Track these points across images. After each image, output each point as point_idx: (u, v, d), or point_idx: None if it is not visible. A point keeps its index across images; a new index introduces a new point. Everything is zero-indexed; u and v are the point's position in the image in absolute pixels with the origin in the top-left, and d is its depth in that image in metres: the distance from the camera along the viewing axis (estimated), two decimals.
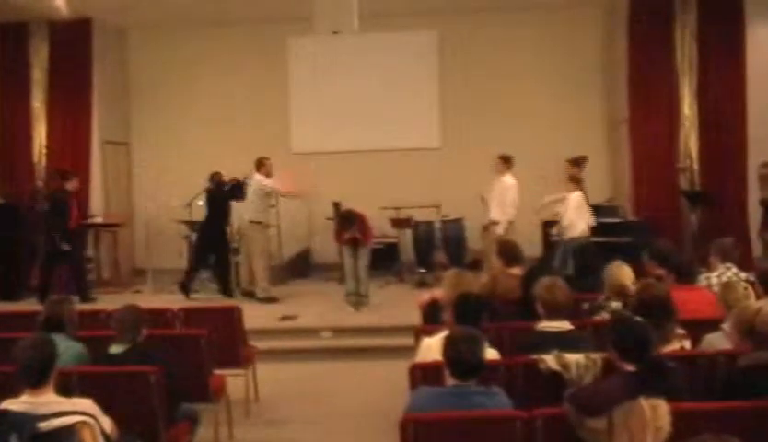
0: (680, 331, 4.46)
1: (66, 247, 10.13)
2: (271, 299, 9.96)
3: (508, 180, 10.15)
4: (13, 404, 3.47)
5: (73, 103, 12.05)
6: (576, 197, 9.22)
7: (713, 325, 4.58)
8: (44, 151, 12.08)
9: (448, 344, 3.69)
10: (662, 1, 11.22)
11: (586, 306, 5.40)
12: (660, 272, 5.72)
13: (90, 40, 12.01)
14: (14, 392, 3.55)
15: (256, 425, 6.28)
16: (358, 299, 9.50)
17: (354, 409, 6.57)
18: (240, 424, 6.05)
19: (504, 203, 10.05)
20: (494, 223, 10.14)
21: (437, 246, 11.59)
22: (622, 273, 5.32)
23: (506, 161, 10.24)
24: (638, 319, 3.93)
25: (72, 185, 10.41)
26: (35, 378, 3.52)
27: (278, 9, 11.47)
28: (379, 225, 10.57)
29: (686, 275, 5.63)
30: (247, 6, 11.45)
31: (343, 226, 9.45)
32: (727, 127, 11.03)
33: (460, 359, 3.63)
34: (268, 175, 10.01)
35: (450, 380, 3.64)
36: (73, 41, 11.94)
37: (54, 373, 3.62)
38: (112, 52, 12.79)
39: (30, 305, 9.23)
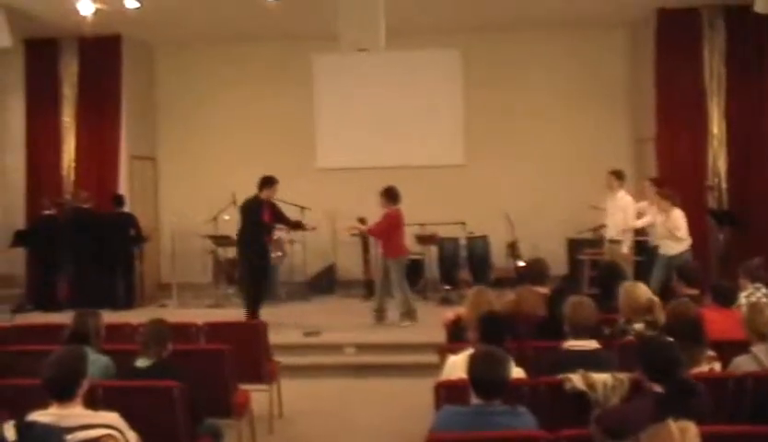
0: (711, 352, 4.40)
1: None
2: None
3: (624, 196, 9.69)
4: (40, 416, 3.49)
5: (101, 118, 12.21)
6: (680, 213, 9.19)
7: (742, 347, 4.51)
8: (73, 165, 12.24)
9: (473, 364, 3.67)
10: (690, 20, 11.18)
11: (607, 331, 5.27)
12: (692, 292, 5.66)
13: (119, 56, 12.19)
14: (42, 405, 3.57)
15: None
16: (405, 315, 9.34)
17: (378, 427, 6.54)
18: (264, 440, 6.05)
19: (625, 222, 9.56)
20: (615, 242, 9.62)
21: (462, 263, 11.56)
22: (642, 290, 5.23)
23: (619, 177, 9.74)
24: (667, 338, 3.88)
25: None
26: (62, 392, 3.54)
27: (304, 27, 11.54)
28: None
29: (725, 298, 5.54)
30: (273, 24, 11.53)
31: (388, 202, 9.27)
32: (755, 146, 10.94)
33: (485, 379, 3.60)
34: None
35: (475, 400, 3.62)
36: (102, 57, 12.11)
37: (83, 387, 3.64)
38: (141, 68, 12.94)
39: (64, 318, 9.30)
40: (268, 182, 9.25)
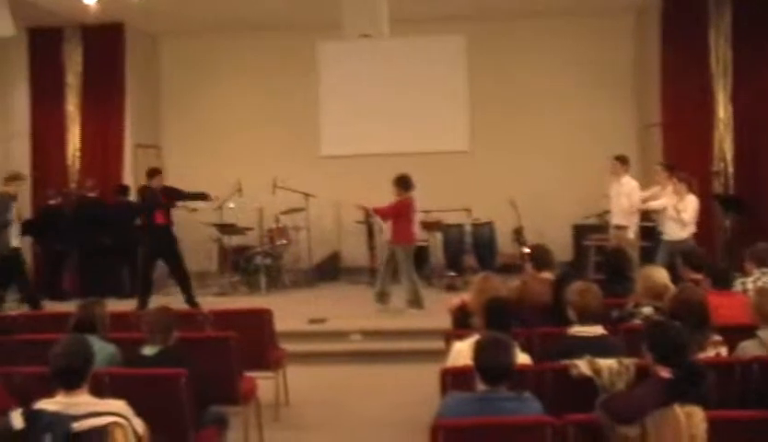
0: (717, 337, 4.38)
1: None
2: None
3: (629, 182, 9.60)
4: (47, 404, 3.50)
5: (106, 107, 12.19)
6: (694, 199, 9.10)
7: (748, 331, 4.50)
8: (78, 154, 12.24)
9: (478, 350, 3.66)
10: (696, 4, 11.10)
11: (615, 313, 5.27)
12: (697, 276, 5.65)
13: (123, 44, 12.15)
14: (49, 393, 3.58)
15: (285, 429, 6.28)
16: (412, 303, 9.28)
17: (384, 414, 6.55)
18: (270, 427, 6.04)
19: (631, 207, 9.48)
20: (621, 228, 9.53)
21: (467, 249, 11.55)
22: (661, 274, 5.22)
23: (624, 162, 9.65)
24: (675, 322, 3.86)
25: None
26: (70, 380, 3.54)
27: (308, 14, 11.49)
28: None
29: (722, 281, 5.55)
30: (277, 12, 11.49)
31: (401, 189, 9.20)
32: (762, 130, 10.88)
33: (490, 365, 3.60)
34: None
35: (481, 386, 3.62)
36: (106, 46, 12.09)
37: (90, 375, 3.64)
38: (144, 56, 12.92)
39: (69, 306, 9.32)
40: (154, 173, 10.01)
